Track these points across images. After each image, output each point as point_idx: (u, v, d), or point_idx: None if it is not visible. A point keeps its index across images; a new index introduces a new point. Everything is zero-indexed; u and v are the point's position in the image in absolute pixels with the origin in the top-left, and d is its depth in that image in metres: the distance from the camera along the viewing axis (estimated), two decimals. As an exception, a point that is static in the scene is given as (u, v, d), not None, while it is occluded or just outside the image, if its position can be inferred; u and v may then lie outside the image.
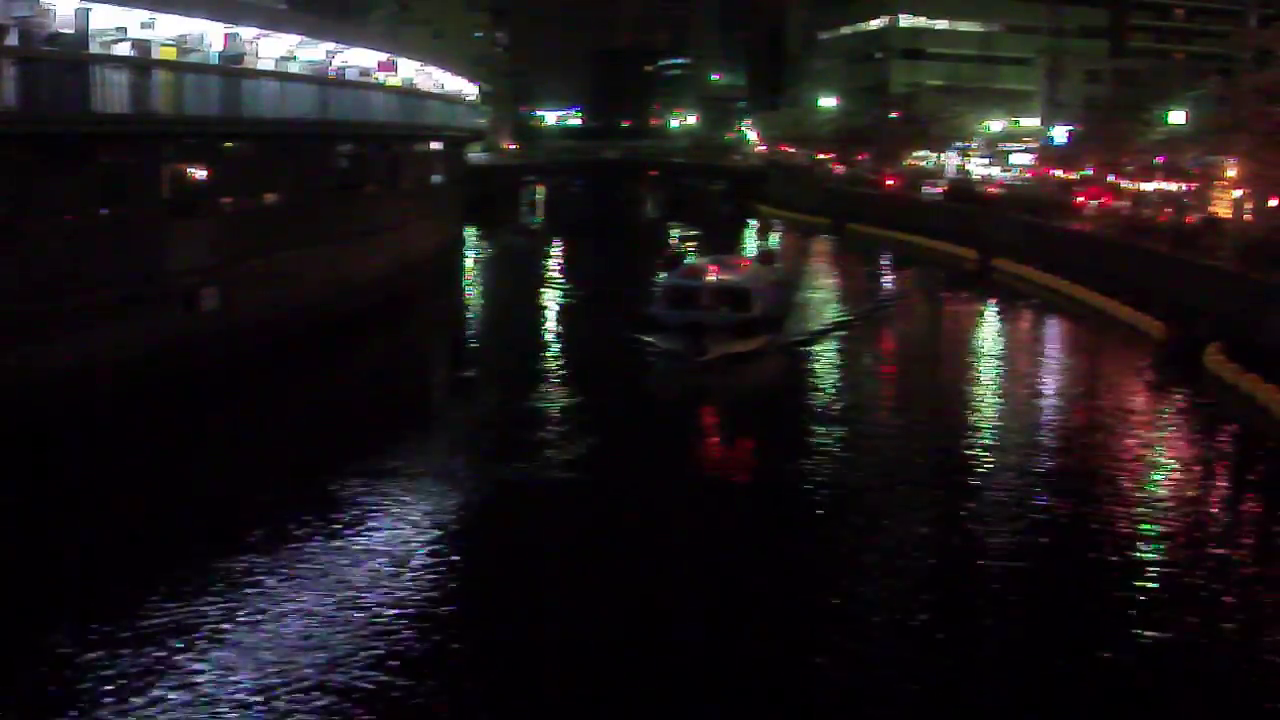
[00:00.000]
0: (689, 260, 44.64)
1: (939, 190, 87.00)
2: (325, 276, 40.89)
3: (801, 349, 40.69)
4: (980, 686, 16.77)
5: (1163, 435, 31.04)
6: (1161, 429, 31.82)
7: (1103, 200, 67.32)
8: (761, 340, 37.04)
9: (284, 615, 17.97)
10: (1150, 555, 21.62)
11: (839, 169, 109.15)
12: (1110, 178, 70.78)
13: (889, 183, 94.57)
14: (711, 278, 37.75)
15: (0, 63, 26.24)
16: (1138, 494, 25.41)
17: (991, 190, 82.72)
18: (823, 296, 55.46)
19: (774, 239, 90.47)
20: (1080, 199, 69.02)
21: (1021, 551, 21.80)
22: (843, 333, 45.38)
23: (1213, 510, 25.23)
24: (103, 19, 31.60)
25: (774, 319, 38.66)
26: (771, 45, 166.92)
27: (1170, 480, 26.65)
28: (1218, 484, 27.16)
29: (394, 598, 18.83)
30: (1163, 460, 28.53)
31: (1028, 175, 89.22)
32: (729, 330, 35.74)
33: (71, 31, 30.50)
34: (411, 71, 57.83)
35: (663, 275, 40.79)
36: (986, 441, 29.60)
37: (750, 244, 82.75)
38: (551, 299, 53.73)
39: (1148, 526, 23.05)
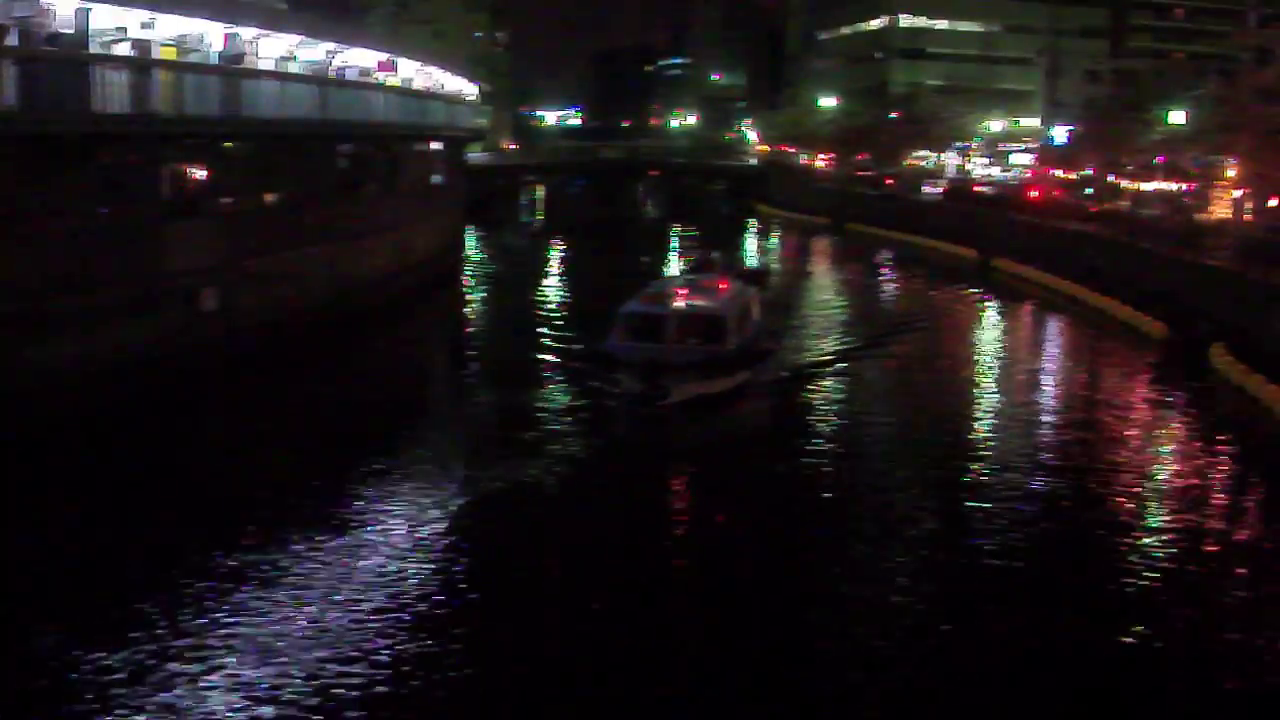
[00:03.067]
0: (655, 281, 37.09)
1: (939, 190, 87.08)
2: (325, 277, 40.86)
3: (791, 387, 34.48)
4: (981, 684, 16.78)
5: (1175, 437, 31.00)
6: (1172, 429, 31.84)
7: (1047, 192, 70.23)
8: (740, 378, 30.38)
9: (285, 614, 17.95)
10: (1153, 554, 21.56)
11: (829, 167, 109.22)
12: (1110, 177, 70.99)
13: (889, 182, 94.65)
14: (679, 303, 30.85)
15: (0, 63, 26.25)
16: (1142, 493, 25.39)
17: (977, 189, 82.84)
18: (822, 316, 50.21)
19: (774, 239, 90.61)
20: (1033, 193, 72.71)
21: (1029, 552, 21.80)
22: (842, 365, 38.54)
23: (1217, 511, 25.21)
24: (103, 19, 31.58)
25: (757, 352, 32.23)
26: (771, 45, 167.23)
27: (1180, 480, 26.68)
28: (1224, 484, 27.12)
29: (395, 596, 18.79)
30: (1173, 461, 28.56)
31: (1028, 175, 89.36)
32: (697, 367, 29.03)
33: (71, 31, 30.50)
34: (411, 71, 57.79)
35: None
36: (991, 458, 29.39)
37: (750, 245, 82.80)
38: (546, 302, 53.49)
39: (1155, 524, 23.11)
